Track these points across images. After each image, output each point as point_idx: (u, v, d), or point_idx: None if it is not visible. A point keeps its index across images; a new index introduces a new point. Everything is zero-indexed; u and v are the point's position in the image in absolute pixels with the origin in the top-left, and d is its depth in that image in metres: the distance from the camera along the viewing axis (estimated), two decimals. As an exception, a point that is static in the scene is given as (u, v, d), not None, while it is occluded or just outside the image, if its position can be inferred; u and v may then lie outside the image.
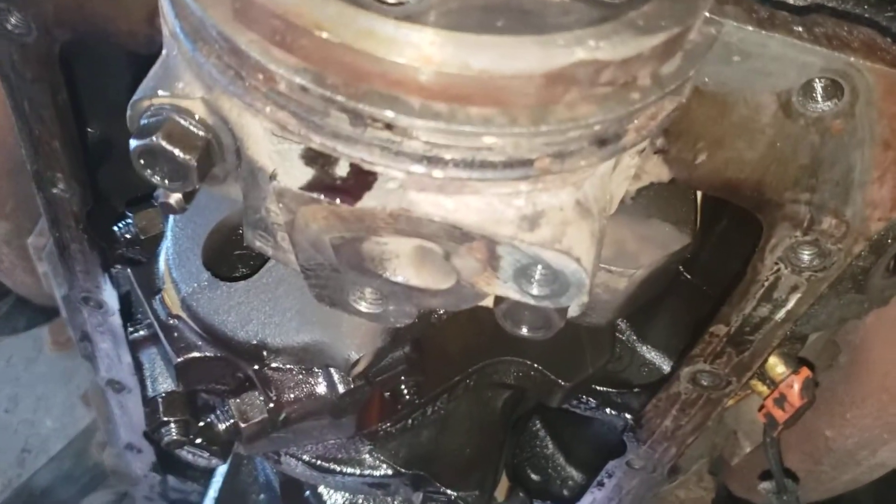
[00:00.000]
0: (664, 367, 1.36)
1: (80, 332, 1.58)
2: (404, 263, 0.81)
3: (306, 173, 0.77)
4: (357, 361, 0.97)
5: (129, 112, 0.82)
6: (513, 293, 0.79)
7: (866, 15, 0.88)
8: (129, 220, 1.13)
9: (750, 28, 0.82)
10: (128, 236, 1.12)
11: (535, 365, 1.24)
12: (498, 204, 0.76)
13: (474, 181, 0.74)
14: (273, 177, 0.77)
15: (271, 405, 0.98)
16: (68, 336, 2.29)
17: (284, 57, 0.69)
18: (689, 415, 1.30)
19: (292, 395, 0.99)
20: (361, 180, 0.76)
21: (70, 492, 2.28)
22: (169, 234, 1.04)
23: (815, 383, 1.38)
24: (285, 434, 1.05)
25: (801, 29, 0.83)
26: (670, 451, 1.39)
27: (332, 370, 0.99)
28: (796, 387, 1.36)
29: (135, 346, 1.10)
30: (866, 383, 1.82)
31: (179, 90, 0.79)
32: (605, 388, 1.34)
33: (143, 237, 1.10)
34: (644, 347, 1.37)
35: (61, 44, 1.05)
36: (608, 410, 1.35)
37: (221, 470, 1.66)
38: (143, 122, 0.80)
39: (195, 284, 0.99)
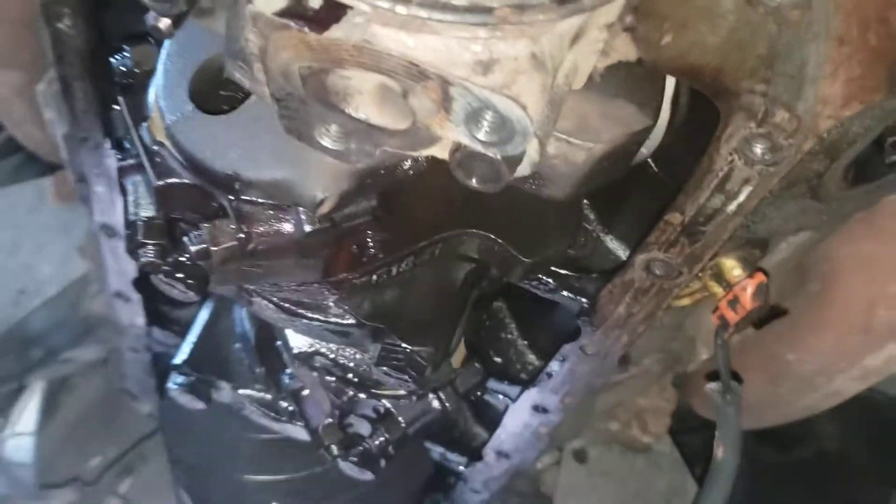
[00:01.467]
0: (618, 253, 1.42)
1: (77, 173, 1.64)
2: (366, 101, 0.87)
3: (282, 1, 0.82)
4: (322, 201, 1.03)
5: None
6: (463, 137, 0.85)
7: None
8: (126, 54, 1.18)
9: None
10: (123, 69, 1.17)
11: (499, 240, 1.29)
12: (455, 46, 0.81)
13: (434, 21, 0.79)
14: (252, 8, 0.82)
15: (241, 235, 1.05)
16: (71, 189, 2.37)
17: None
18: (642, 303, 1.37)
19: (262, 228, 1.06)
20: (332, 13, 0.81)
21: (62, 339, 2.39)
22: (160, 66, 1.09)
23: (768, 288, 1.43)
24: (254, 268, 1.12)
25: (765, -86, 0.87)
26: (622, 339, 1.46)
27: (300, 210, 1.05)
28: (749, 290, 1.42)
29: (121, 173, 1.16)
30: (830, 313, 1.88)
31: None
32: (565, 272, 1.40)
33: (137, 70, 1.15)
34: (608, 237, 1.43)
35: None
36: (565, 293, 1.41)
37: (201, 319, 1.75)
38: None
39: (179, 114, 1.05)
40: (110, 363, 2.39)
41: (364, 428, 1.51)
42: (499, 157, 0.85)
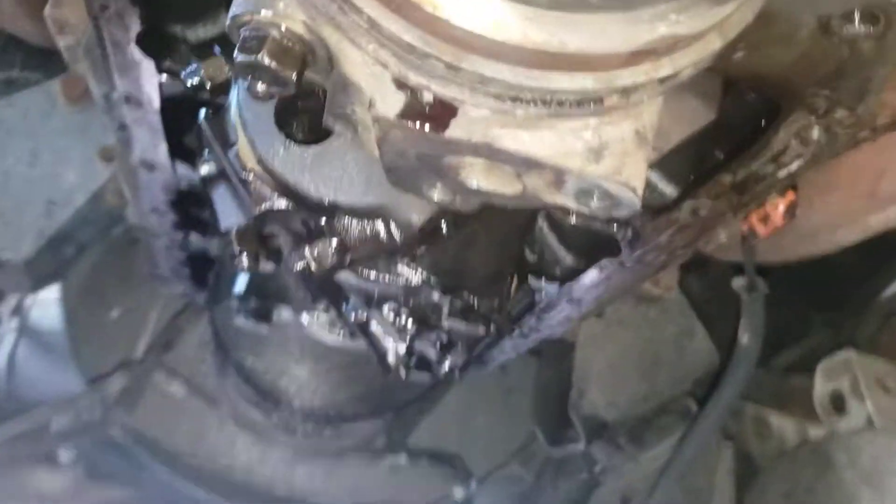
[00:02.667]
0: (666, 191, 1.50)
1: (117, 122, 1.65)
2: (478, 172, 0.93)
3: (399, 99, 0.86)
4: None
5: (228, 22, 0.88)
6: (573, 206, 0.92)
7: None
8: (195, 67, 1.19)
9: (806, -36, 0.89)
10: (195, 82, 1.19)
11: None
12: (569, 137, 0.86)
13: (551, 118, 0.84)
14: (371, 104, 0.86)
15: (340, 251, 1.12)
16: (81, 89, 2.34)
17: (396, 20, 0.76)
18: (685, 235, 1.47)
19: (358, 243, 1.13)
20: (447, 109, 0.85)
21: (91, 234, 2.46)
22: (242, 90, 1.12)
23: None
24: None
25: (852, -35, 0.90)
26: (660, 258, 1.58)
27: (391, 222, 1.12)
28: (781, 208, 1.53)
29: (206, 183, 1.21)
30: (838, 178, 2.00)
31: (281, 10, 0.85)
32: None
33: (210, 84, 1.17)
34: (654, 173, 1.50)
35: None
36: (614, 225, 1.51)
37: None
38: (245, 36, 0.86)
39: (270, 144, 1.09)
40: (141, 251, 2.47)
41: (431, 353, 1.65)
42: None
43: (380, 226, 1.11)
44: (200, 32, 1.52)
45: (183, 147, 1.74)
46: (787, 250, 2.33)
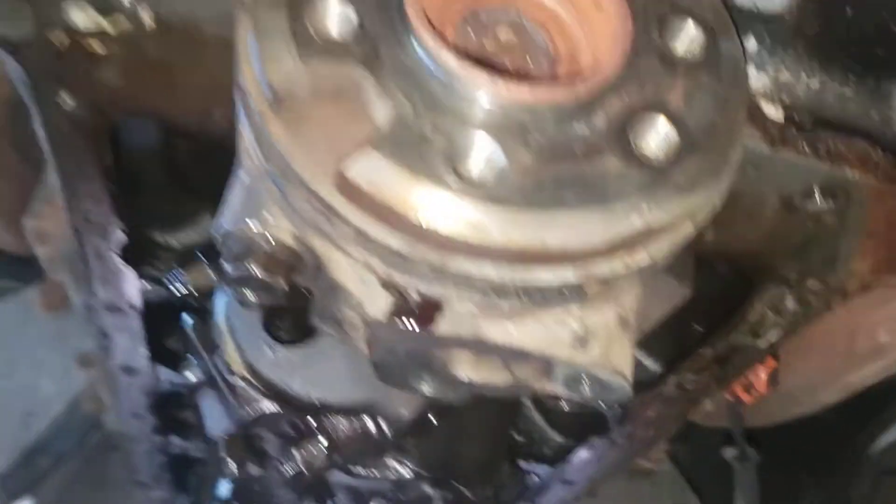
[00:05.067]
0: (649, 366, 1.52)
1: (98, 329, 1.66)
2: (467, 364, 0.93)
3: (386, 299, 0.87)
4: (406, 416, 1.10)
5: (215, 235, 0.90)
6: (562, 392, 0.93)
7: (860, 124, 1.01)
8: (180, 276, 1.21)
9: (764, 148, 0.94)
10: (180, 290, 1.20)
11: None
12: (554, 326, 0.88)
13: (536, 308, 0.86)
14: (360, 308, 0.87)
15: (331, 450, 1.11)
16: (59, 297, 2.35)
17: (383, 230, 0.78)
18: (672, 409, 1.48)
19: (348, 442, 1.12)
20: (433, 305, 0.87)
21: (66, 443, 2.40)
22: (229, 296, 1.13)
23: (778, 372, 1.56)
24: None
25: (806, 147, 0.96)
26: (649, 433, 1.58)
27: (380, 418, 1.12)
28: (763, 376, 1.54)
29: (191, 389, 1.20)
30: (815, 339, 2.03)
31: (268, 222, 0.88)
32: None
33: (196, 293, 1.19)
34: (641, 353, 1.52)
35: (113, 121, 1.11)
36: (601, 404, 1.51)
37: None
38: (233, 248, 0.89)
39: (257, 347, 1.10)
40: (118, 458, 2.41)
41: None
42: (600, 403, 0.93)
43: (369, 422, 1.10)
44: (183, 238, 1.56)
45: (164, 350, 1.74)
46: (772, 413, 2.33)
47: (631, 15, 0.86)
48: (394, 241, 0.79)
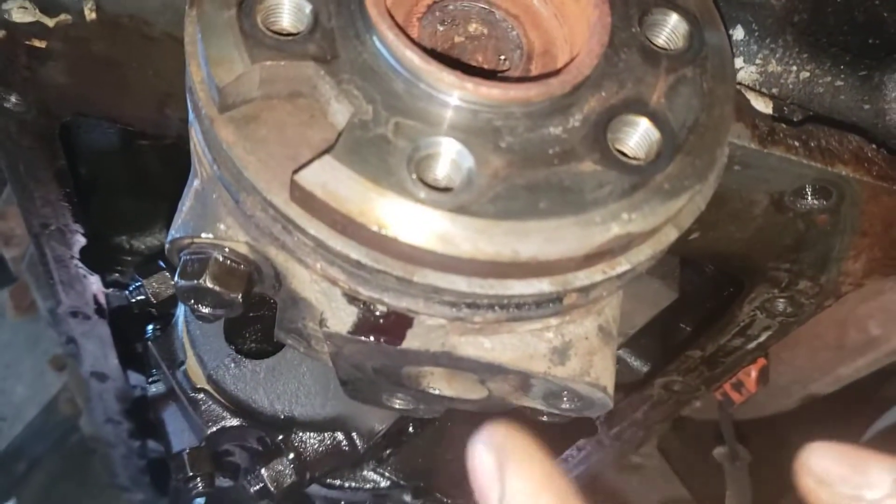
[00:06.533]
0: (637, 367, 1.47)
1: (65, 336, 1.60)
2: (440, 379, 0.88)
3: (351, 314, 0.82)
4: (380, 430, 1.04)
5: (167, 246, 0.85)
6: (541, 406, 0.87)
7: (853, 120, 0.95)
8: (140, 284, 1.15)
9: (753, 146, 0.89)
10: (140, 298, 1.14)
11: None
12: (531, 339, 0.82)
13: (511, 321, 0.81)
14: (322, 322, 0.81)
15: (299, 469, 1.05)
16: (30, 301, 2.29)
17: (343, 241, 0.73)
18: (659, 410, 1.43)
19: (318, 458, 1.06)
20: (402, 320, 0.81)
21: (42, 447, 2.35)
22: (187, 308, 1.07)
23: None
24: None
25: (797, 144, 0.90)
26: (638, 435, 1.53)
27: (353, 434, 1.06)
28: (753, 374, 1.49)
29: (155, 403, 1.15)
30: (802, 331, 1.99)
31: (222, 232, 0.82)
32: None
33: (155, 301, 1.13)
34: (627, 354, 1.47)
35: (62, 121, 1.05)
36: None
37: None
38: (186, 259, 0.83)
39: (220, 361, 1.04)
40: (98, 461, 2.36)
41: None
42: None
43: (340, 437, 1.04)
44: (148, 241, 1.50)
45: (136, 355, 1.68)
46: (762, 406, 2.29)
47: (609, 5, 0.80)
48: (356, 253, 0.73)
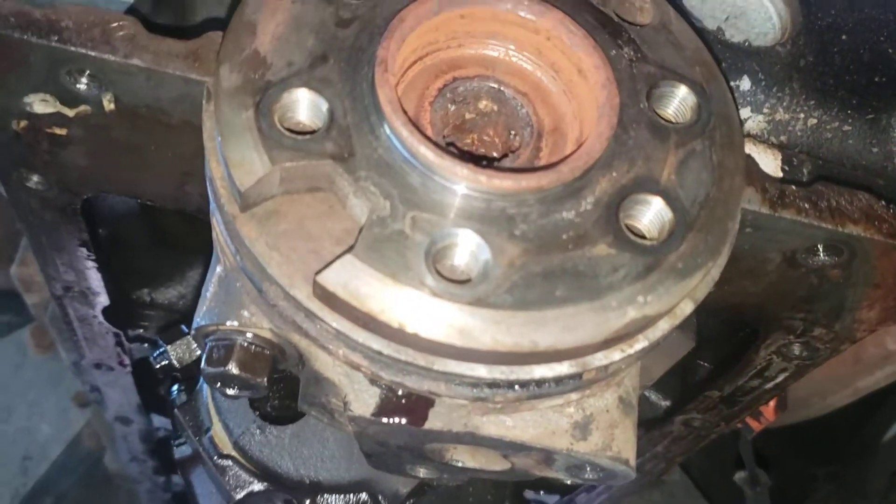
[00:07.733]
0: (656, 401, 1.48)
1: (88, 385, 1.62)
2: (463, 454, 0.89)
3: (373, 395, 0.83)
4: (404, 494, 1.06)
5: (193, 332, 0.86)
6: (563, 478, 0.89)
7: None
8: (164, 350, 1.17)
9: (763, 210, 0.89)
10: (164, 363, 1.16)
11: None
12: (552, 415, 0.84)
13: (531, 399, 0.82)
14: (346, 405, 0.83)
15: (327, 530, 1.07)
16: (50, 339, 2.32)
17: (366, 335, 0.74)
18: (680, 445, 1.44)
19: (345, 519, 1.08)
20: (425, 400, 0.83)
21: (67, 482, 2.37)
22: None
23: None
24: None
25: (807, 206, 0.91)
26: (659, 467, 1.54)
27: (378, 495, 1.08)
28: (772, 404, 1.50)
29: (182, 465, 1.17)
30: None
31: (247, 320, 0.84)
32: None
33: (179, 366, 1.15)
34: (648, 391, 1.48)
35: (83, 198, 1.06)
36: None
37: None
38: (211, 346, 0.85)
39: (246, 427, 1.06)
40: (124, 495, 2.39)
41: None
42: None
43: (365, 498, 1.06)
44: (170, 294, 1.52)
45: (159, 399, 1.71)
46: (783, 418, 2.30)
47: (616, 81, 0.81)
48: (377, 344, 0.75)
